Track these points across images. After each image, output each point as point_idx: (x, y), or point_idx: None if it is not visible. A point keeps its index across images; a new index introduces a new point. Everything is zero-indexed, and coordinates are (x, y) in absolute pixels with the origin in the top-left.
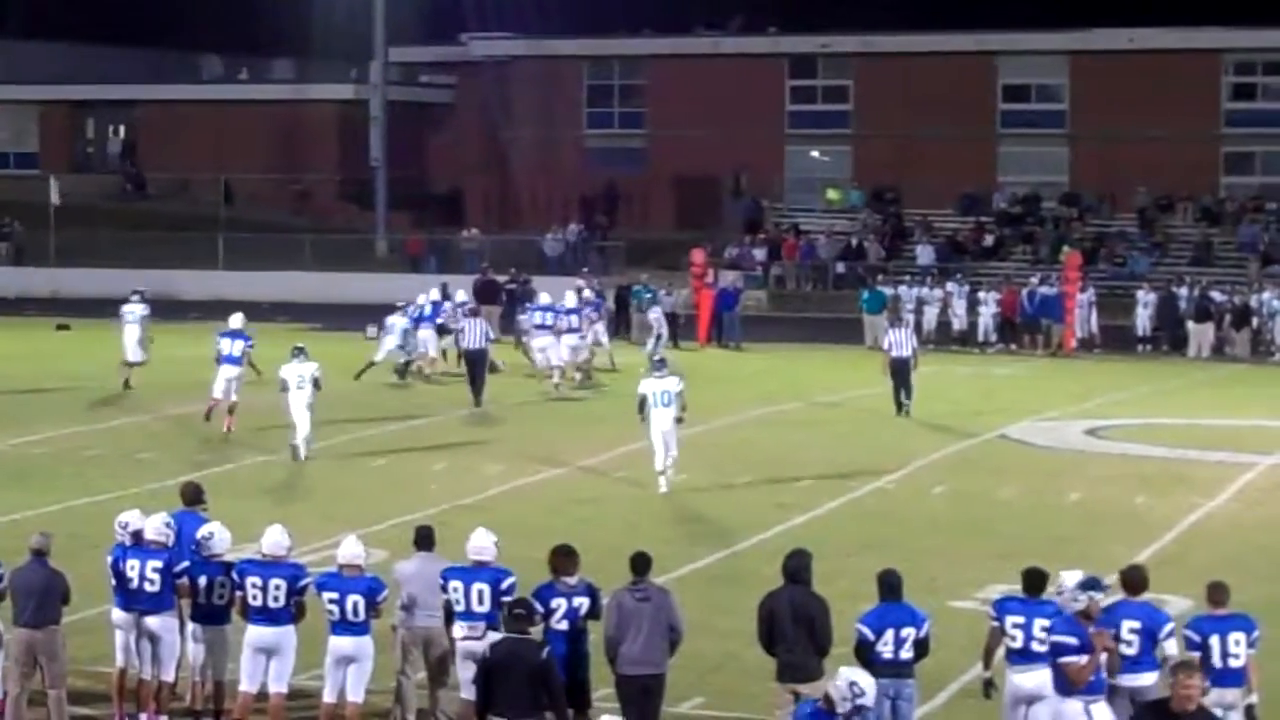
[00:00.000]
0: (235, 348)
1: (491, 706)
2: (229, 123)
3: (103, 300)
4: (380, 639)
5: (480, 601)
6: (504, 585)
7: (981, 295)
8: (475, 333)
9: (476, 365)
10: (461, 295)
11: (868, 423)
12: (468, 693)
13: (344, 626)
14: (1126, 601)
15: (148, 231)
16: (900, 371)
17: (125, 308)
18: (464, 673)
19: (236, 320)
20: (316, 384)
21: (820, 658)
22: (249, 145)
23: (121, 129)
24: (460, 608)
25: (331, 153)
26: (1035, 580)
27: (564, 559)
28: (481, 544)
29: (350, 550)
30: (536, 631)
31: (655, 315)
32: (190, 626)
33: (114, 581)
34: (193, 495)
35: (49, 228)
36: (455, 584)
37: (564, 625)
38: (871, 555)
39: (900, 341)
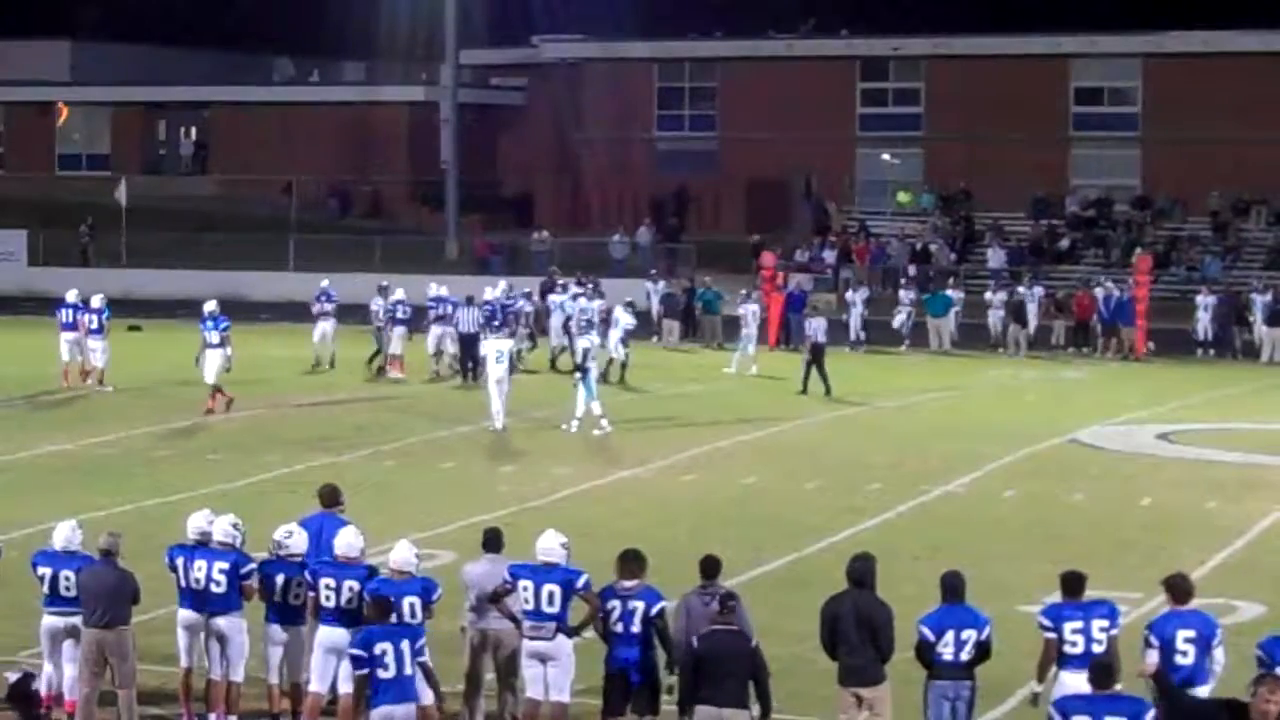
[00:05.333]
0: None
1: (700, 696)
2: (300, 125)
3: (173, 301)
4: (445, 641)
5: (550, 602)
6: (579, 584)
7: (988, 296)
8: (470, 319)
9: (471, 347)
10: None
11: (937, 426)
12: (533, 692)
13: None
14: (1177, 611)
15: (217, 233)
16: (818, 357)
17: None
18: (529, 671)
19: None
20: (512, 360)
21: (883, 663)
22: (320, 147)
23: (193, 130)
24: (529, 606)
25: (402, 155)
26: (1076, 583)
27: (620, 563)
28: (549, 545)
29: (401, 555)
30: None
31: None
32: (269, 627)
33: (180, 582)
34: (331, 497)
35: (120, 229)
36: (525, 583)
37: (619, 629)
38: (941, 559)
39: (818, 329)
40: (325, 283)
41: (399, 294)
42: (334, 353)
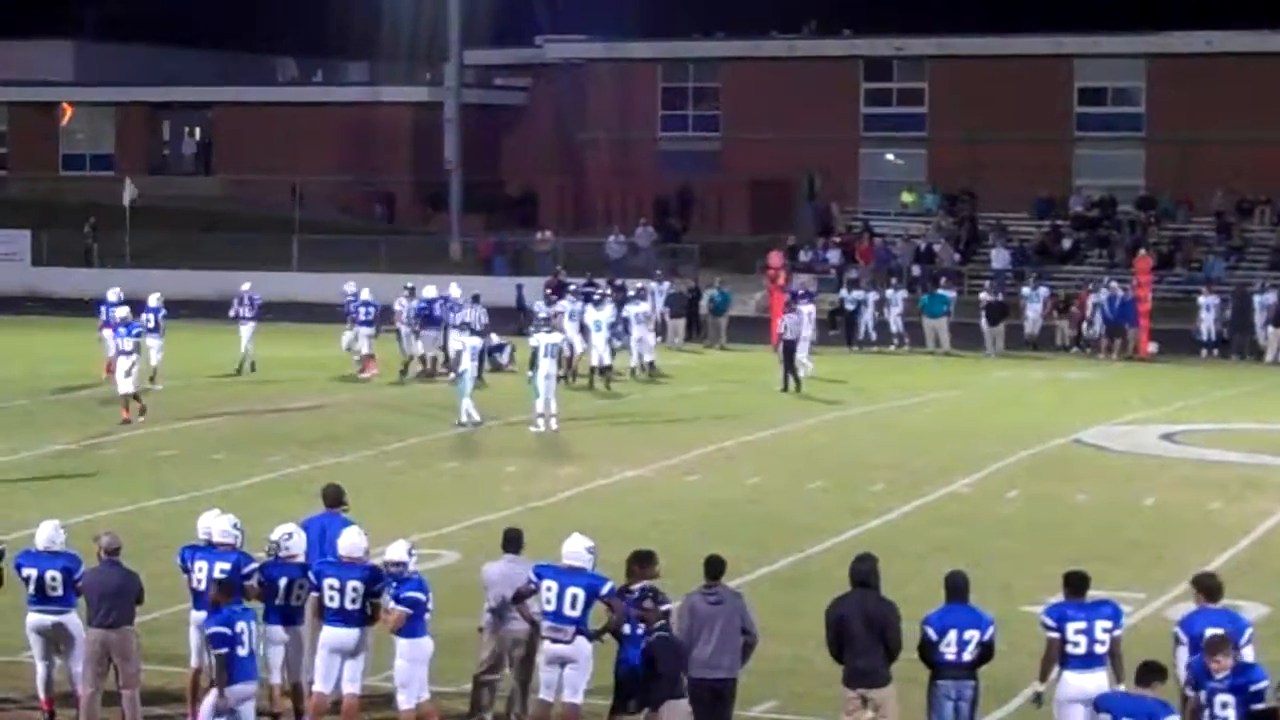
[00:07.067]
0: None
1: (676, 691)
2: (304, 125)
3: (177, 301)
4: (450, 642)
5: (573, 606)
6: (603, 590)
7: (983, 297)
8: (471, 318)
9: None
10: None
11: (940, 426)
12: (545, 694)
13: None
14: (1205, 609)
15: (221, 233)
16: (791, 353)
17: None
18: (546, 674)
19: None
20: (482, 358)
21: (890, 663)
22: (324, 147)
23: (197, 131)
24: (550, 608)
25: (406, 155)
26: (1080, 583)
27: (627, 565)
28: (575, 549)
29: (396, 552)
30: None
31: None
32: (270, 628)
33: (190, 583)
34: (334, 497)
35: (125, 229)
36: (549, 584)
37: (627, 630)
38: (945, 559)
39: (794, 325)
40: (247, 286)
41: (365, 293)
42: (253, 358)
